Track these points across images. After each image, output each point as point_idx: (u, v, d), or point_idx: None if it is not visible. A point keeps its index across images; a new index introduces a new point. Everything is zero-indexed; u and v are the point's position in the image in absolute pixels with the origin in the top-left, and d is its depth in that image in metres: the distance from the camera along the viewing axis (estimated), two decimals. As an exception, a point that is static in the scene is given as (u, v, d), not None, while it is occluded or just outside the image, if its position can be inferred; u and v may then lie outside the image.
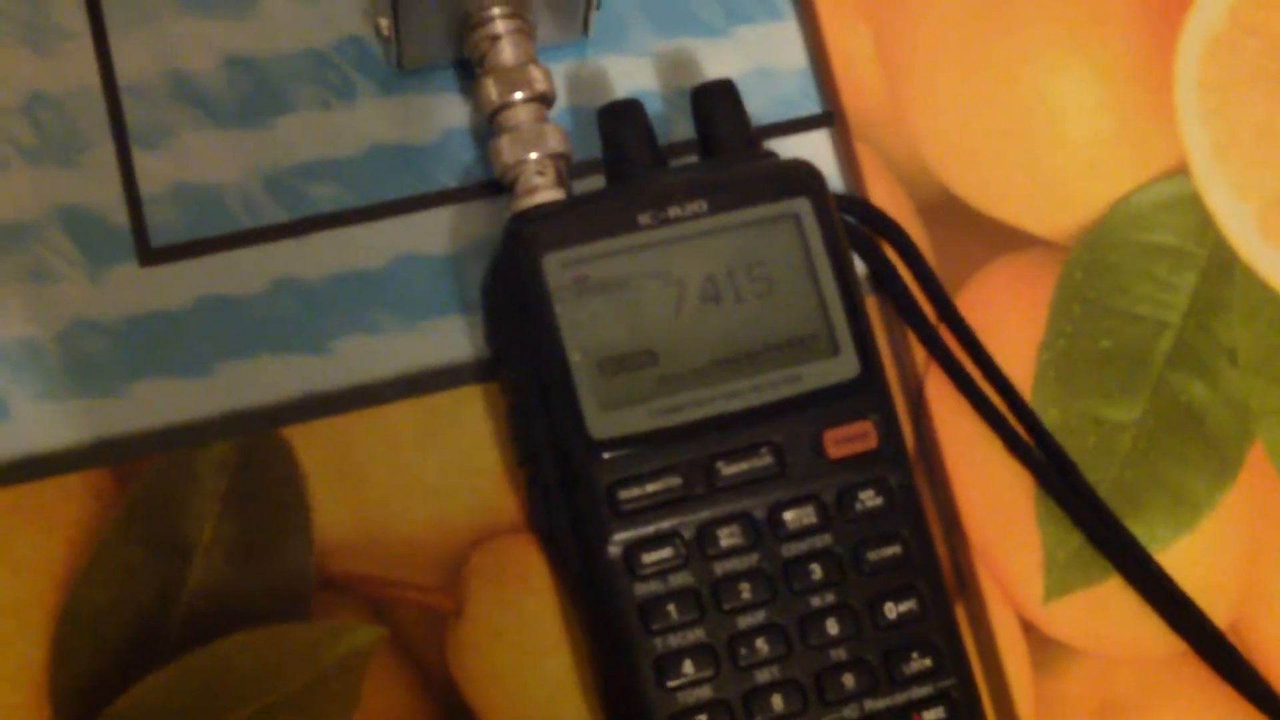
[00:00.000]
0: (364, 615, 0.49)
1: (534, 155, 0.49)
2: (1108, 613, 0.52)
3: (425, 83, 0.53)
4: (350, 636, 0.48)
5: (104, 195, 0.51)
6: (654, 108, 0.53)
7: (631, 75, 0.54)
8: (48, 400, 0.49)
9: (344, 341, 0.51)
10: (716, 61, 0.55)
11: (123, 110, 0.52)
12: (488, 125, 0.51)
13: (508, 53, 0.50)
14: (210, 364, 0.50)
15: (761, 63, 0.55)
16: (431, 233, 0.52)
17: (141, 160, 0.51)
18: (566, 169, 0.50)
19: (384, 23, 0.51)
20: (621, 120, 0.50)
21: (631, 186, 0.48)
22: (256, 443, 0.50)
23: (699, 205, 0.48)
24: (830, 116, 0.55)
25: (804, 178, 0.48)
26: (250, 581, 0.49)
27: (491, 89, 0.50)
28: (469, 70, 0.53)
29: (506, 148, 0.50)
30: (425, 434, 0.50)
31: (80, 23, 0.52)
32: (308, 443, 0.50)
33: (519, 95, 0.50)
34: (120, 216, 0.51)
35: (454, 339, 0.51)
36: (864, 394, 0.47)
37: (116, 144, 0.51)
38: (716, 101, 0.50)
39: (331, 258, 0.51)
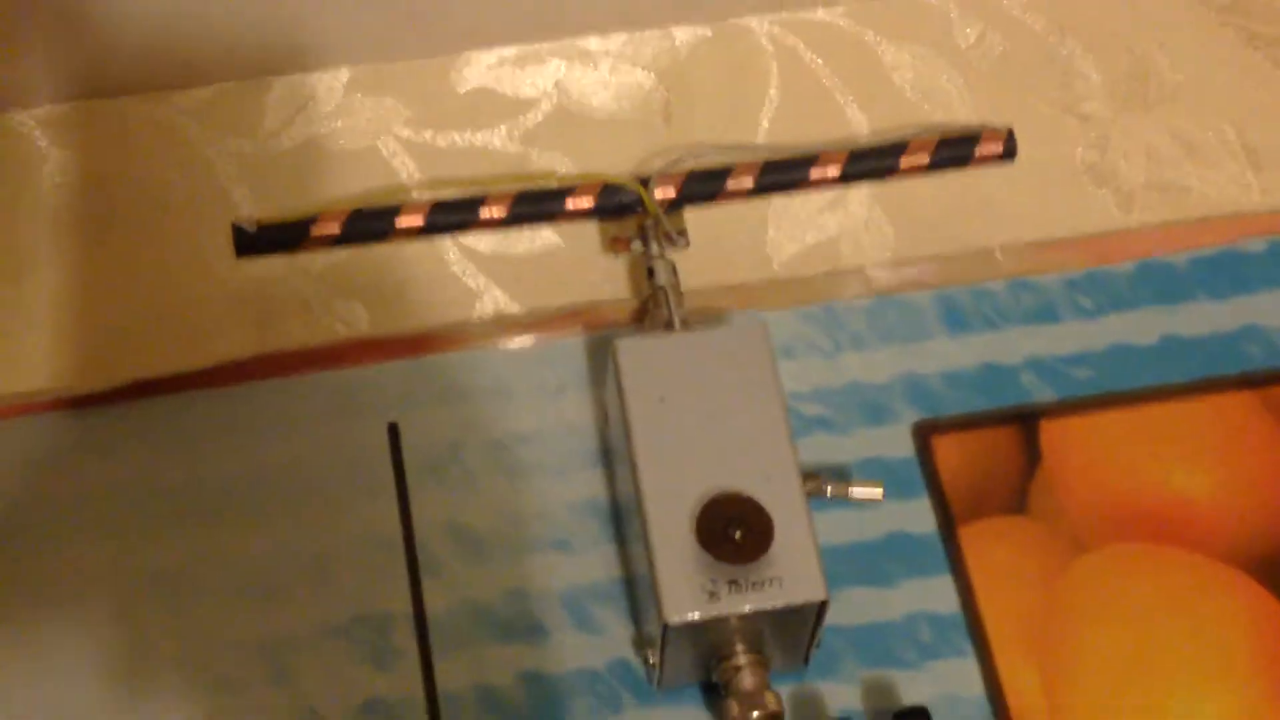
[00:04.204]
0: None
1: (771, 765, 0.61)
2: None
3: (677, 699, 0.65)
4: None
5: (424, 787, 0.63)
6: (860, 726, 0.64)
7: (841, 696, 0.66)
8: None
9: None
10: (910, 687, 0.66)
11: (440, 717, 0.64)
12: (730, 739, 0.63)
13: (748, 680, 0.62)
14: None
15: (947, 691, 0.66)
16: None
17: (453, 758, 0.64)
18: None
19: (650, 653, 0.64)
20: None
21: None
22: None
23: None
24: (1006, 742, 0.66)
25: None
26: None
27: (735, 708, 0.62)
28: (715, 690, 0.64)
29: (747, 758, 0.61)
30: None
31: (411, 645, 0.65)
32: None
33: (756, 715, 0.61)
34: (435, 807, 0.63)
35: None
36: None
37: (433, 743, 0.64)
38: (916, 731, 0.62)
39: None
